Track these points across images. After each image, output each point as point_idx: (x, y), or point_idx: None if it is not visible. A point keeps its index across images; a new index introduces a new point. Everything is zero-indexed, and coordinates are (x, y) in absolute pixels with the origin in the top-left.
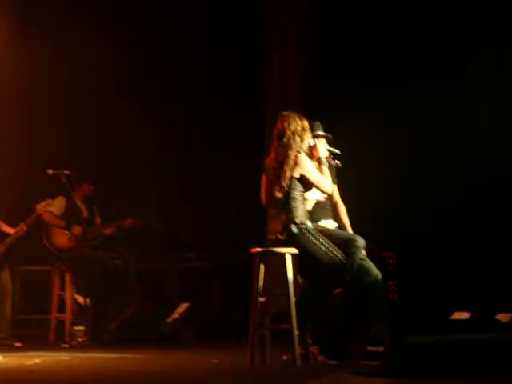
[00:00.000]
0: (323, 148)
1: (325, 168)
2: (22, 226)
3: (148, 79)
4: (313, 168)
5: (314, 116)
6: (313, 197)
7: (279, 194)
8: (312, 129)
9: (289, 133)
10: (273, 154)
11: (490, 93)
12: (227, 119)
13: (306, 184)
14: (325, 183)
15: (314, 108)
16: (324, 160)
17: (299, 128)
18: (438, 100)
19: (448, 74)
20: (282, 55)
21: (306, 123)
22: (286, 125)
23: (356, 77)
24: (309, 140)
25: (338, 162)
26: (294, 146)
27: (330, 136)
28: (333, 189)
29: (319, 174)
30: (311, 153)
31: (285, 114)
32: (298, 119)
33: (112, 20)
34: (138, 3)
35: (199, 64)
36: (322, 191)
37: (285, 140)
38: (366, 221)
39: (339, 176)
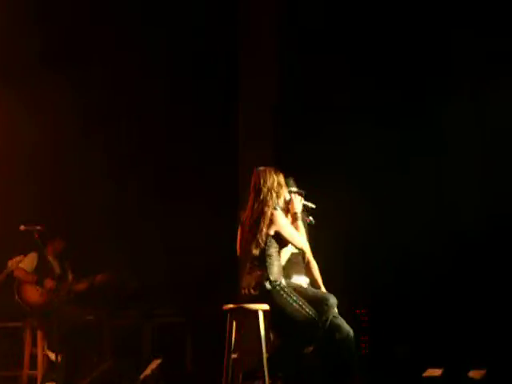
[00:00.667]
0: (298, 203)
1: (299, 223)
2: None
3: (116, 128)
4: (287, 224)
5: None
6: (287, 250)
7: (255, 251)
8: (286, 185)
9: (265, 189)
10: (248, 211)
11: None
12: (200, 168)
13: (281, 240)
14: (298, 239)
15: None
16: (299, 215)
17: (275, 184)
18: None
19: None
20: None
21: (281, 178)
22: (261, 181)
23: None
24: (285, 195)
25: (311, 218)
26: (270, 202)
27: (303, 192)
28: (306, 245)
29: (293, 229)
30: (287, 207)
31: (260, 169)
32: (274, 175)
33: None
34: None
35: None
36: (296, 247)
37: (261, 197)
38: (339, 277)
39: (312, 233)
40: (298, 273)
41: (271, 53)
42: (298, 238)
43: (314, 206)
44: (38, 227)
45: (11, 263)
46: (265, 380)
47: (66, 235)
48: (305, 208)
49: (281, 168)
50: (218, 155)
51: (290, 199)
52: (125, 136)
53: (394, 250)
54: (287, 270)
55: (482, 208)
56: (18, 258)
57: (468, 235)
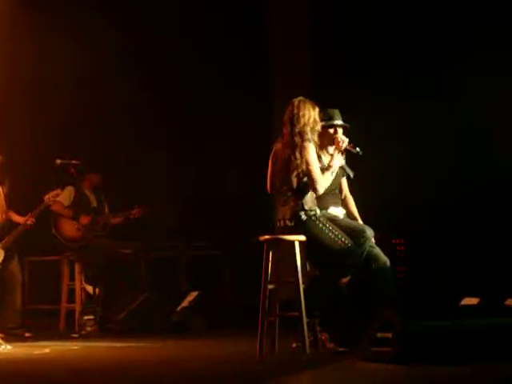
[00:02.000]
0: (338, 160)
1: (328, 174)
2: (30, 217)
3: (155, 69)
4: (315, 161)
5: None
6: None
7: (294, 181)
8: (330, 117)
9: (301, 123)
10: (283, 143)
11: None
12: (235, 106)
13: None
14: (318, 177)
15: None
16: (334, 169)
17: (312, 119)
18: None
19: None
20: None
21: (317, 113)
22: (298, 113)
23: (364, 75)
24: (326, 129)
25: (358, 149)
26: (305, 136)
27: (347, 125)
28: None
29: (318, 167)
30: (328, 142)
31: (297, 100)
32: (311, 108)
33: (119, 10)
34: None
35: (207, 53)
36: (313, 186)
37: (296, 130)
38: (376, 208)
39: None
40: (335, 204)
41: None
42: (318, 177)
43: (358, 152)
44: (74, 161)
45: (47, 197)
46: (301, 310)
47: (102, 169)
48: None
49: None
50: (252, 92)
51: (336, 136)
52: (159, 72)
53: (429, 181)
54: (324, 201)
55: None
56: (54, 192)
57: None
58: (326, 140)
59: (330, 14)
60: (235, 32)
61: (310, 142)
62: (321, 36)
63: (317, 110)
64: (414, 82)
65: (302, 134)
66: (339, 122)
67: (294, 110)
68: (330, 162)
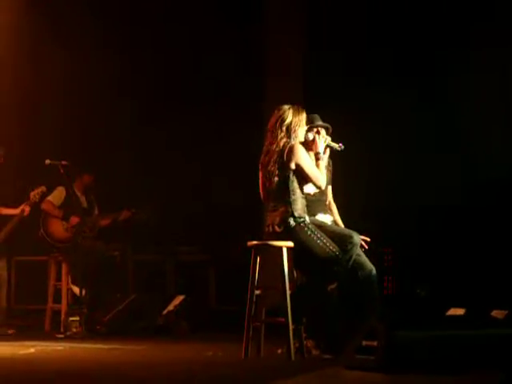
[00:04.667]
0: (322, 143)
1: (322, 164)
2: (25, 206)
3: (147, 74)
4: (308, 159)
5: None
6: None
7: (279, 186)
8: (311, 121)
9: (284, 127)
10: (267, 148)
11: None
12: (226, 112)
13: (302, 175)
14: (319, 176)
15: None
16: (322, 155)
17: (295, 121)
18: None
19: (447, 74)
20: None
21: (302, 117)
22: (282, 117)
23: (352, 76)
24: (305, 135)
25: (340, 144)
26: (290, 138)
27: (329, 126)
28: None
29: (314, 165)
30: (309, 147)
31: (281, 107)
32: (296, 113)
33: (112, 17)
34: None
35: (196, 57)
36: (316, 184)
37: (281, 134)
38: (363, 217)
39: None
40: (323, 211)
41: None
42: (318, 174)
43: (340, 147)
44: (63, 162)
45: (33, 194)
46: (287, 316)
47: (92, 170)
48: (331, 148)
49: (307, 103)
50: (244, 97)
51: (314, 139)
52: (151, 79)
53: (418, 191)
54: (312, 208)
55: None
56: (38, 189)
57: (489, 183)
58: (308, 146)
59: (327, 15)
60: (229, 34)
61: (298, 143)
62: (316, 38)
63: (303, 114)
64: (400, 85)
65: (289, 137)
66: (320, 123)
67: (279, 115)
68: (315, 148)
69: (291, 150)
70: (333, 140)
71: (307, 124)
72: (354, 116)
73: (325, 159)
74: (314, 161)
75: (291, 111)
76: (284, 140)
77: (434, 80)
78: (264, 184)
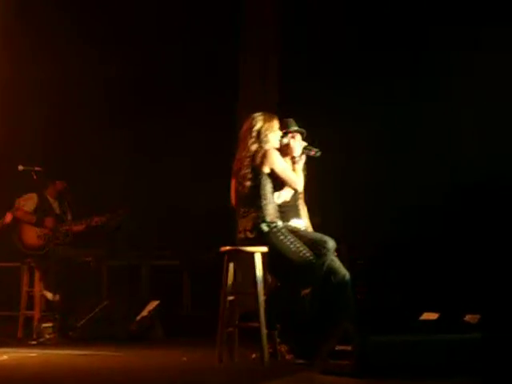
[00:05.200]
0: (297, 147)
1: (298, 167)
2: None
3: (118, 81)
4: (282, 162)
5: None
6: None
7: (250, 191)
8: (286, 126)
9: (255, 133)
10: (240, 154)
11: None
12: (197, 117)
13: (276, 180)
14: (294, 179)
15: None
16: (298, 159)
17: (265, 126)
18: (412, 101)
19: (423, 75)
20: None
21: (273, 123)
22: (252, 124)
23: (332, 77)
24: (279, 140)
25: (317, 150)
26: (262, 143)
27: (304, 131)
28: (301, 187)
29: (289, 169)
30: (285, 152)
31: (251, 115)
32: (265, 118)
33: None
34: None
35: (171, 61)
36: (293, 187)
37: (253, 140)
38: (337, 223)
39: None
40: (297, 216)
41: None
42: (294, 177)
43: (316, 153)
44: (37, 168)
45: (19, 201)
46: (261, 321)
47: (65, 176)
48: (307, 151)
49: (282, 107)
50: (216, 103)
51: (288, 143)
52: (123, 83)
53: (392, 199)
54: (286, 213)
55: (482, 160)
56: (26, 197)
57: (466, 185)
58: (284, 151)
59: (301, 18)
60: (202, 36)
61: (271, 147)
62: (290, 41)
63: (274, 120)
64: (375, 86)
65: (260, 142)
66: (295, 128)
67: (249, 123)
68: (291, 152)
69: (265, 155)
70: (309, 145)
71: (282, 129)
72: (330, 119)
73: (301, 164)
74: (291, 165)
75: (261, 117)
76: (255, 145)
77: (412, 80)
78: (236, 189)
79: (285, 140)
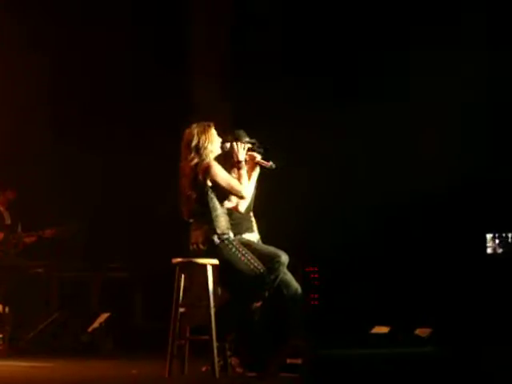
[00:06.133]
0: (242, 151)
1: (243, 172)
2: None
3: (68, 81)
4: (222, 172)
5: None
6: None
7: (198, 207)
8: (237, 138)
9: (193, 146)
10: (183, 170)
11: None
12: (150, 121)
13: (219, 191)
14: (237, 187)
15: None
16: (243, 164)
17: (202, 139)
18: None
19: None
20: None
21: (210, 134)
22: (189, 139)
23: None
24: (220, 146)
25: (271, 163)
26: (203, 157)
27: (255, 141)
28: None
29: (230, 178)
30: (225, 159)
31: (188, 129)
32: (201, 131)
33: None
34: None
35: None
36: (237, 195)
37: (192, 154)
38: (289, 235)
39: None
40: (249, 230)
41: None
42: (237, 186)
43: (271, 166)
44: None
45: None
46: (212, 334)
47: (16, 186)
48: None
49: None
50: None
51: (232, 147)
52: (73, 85)
53: (343, 208)
54: (238, 226)
55: (440, 169)
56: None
57: (421, 194)
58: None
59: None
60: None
61: (209, 160)
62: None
63: (210, 130)
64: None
65: (200, 156)
66: (246, 139)
67: (186, 138)
68: (235, 157)
69: (205, 170)
70: (264, 158)
71: (234, 140)
72: (282, 130)
73: (255, 176)
74: (235, 171)
75: (196, 130)
76: (195, 160)
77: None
78: (184, 204)
79: (227, 145)
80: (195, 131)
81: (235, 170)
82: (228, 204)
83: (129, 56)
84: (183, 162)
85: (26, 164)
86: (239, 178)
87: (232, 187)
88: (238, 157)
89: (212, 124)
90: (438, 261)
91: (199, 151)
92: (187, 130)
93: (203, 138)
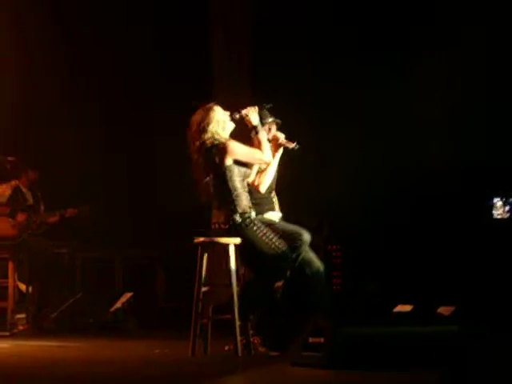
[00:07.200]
0: (255, 116)
1: (261, 136)
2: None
3: (94, 73)
4: (240, 148)
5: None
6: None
7: (219, 187)
8: (261, 118)
9: (208, 127)
10: (196, 152)
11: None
12: (171, 109)
13: (241, 165)
14: (260, 156)
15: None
16: (259, 128)
17: (215, 121)
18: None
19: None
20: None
21: (210, 113)
22: (204, 121)
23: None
24: (230, 120)
25: (295, 144)
26: (217, 136)
27: (279, 121)
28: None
29: (248, 149)
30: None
31: (199, 109)
32: (211, 112)
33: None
34: None
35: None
36: (263, 163)
37: (207, 135)
38: (312, 214)
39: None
40: (272, 209)
41: None
42: (257, 154)
43: (295, 147)
44: (10, 158)
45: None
46: (234, 313)
47: (38, 166)
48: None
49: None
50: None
51: (246, 116)
52: (90, 71)
53: (368, 188)
54: (261, 206)
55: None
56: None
57: (441, 174)
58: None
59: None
60: (176, 34)
61: (226, 140)
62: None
63: (217, 109)
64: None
65: (214, 138)
66: (270, 119)
67: (198, 118)
68: (249, 123)
69: (223, 150)
70: (286, 137)
71: (261, 118)
72: (305, 109)
73: (277, 156)
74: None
75: (201, 114)
76: (205, 141)
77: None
78: (202, 187)
79: (236, 115)
80: (200, 115)
81: (254, 139)
82: (250, 177)
83: (149, 33)
84: (191, 147)
85: (51, 144)
86: (259, 144)
87: (254, 158)
88: (251, 123)
89: (214, 104)
90: (460, 238)
91: (201, 132)
92: (198, 112)
93: (216, 117)
